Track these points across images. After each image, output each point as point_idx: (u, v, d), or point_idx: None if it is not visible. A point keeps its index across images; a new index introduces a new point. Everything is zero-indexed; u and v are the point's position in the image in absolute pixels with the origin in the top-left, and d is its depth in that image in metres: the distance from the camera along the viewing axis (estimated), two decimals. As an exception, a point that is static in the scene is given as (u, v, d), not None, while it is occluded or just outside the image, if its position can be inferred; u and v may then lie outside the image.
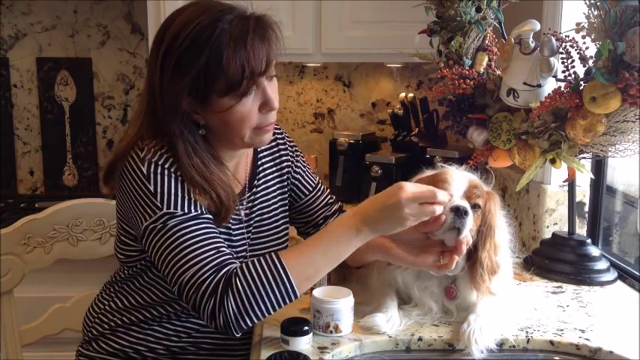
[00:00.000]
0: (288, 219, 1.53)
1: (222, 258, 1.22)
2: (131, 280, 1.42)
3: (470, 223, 1.25)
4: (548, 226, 1.84)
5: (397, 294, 1.38)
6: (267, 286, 1.18)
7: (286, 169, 1.51)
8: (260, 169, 1.47)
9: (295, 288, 1.20)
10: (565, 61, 1.46)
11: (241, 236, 1.41)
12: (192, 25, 1.22)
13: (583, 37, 1.41)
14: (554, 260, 1.66)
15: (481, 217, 1.31)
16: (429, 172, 1.39)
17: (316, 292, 1.29)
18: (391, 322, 1.30)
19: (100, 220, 1.77)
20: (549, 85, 1.51)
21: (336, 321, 1.27)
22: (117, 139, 2.76)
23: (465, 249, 1.26)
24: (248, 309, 1.18)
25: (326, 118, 2.84)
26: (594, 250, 1.66)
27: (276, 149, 1.51)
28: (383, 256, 1.34)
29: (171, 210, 1.24)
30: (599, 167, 1.82)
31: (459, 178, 1.31)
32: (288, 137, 1.55)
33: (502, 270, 1.32)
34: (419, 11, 1.73)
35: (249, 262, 1.21)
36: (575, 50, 1.43)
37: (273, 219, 1.48)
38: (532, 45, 1.50)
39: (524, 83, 1.51)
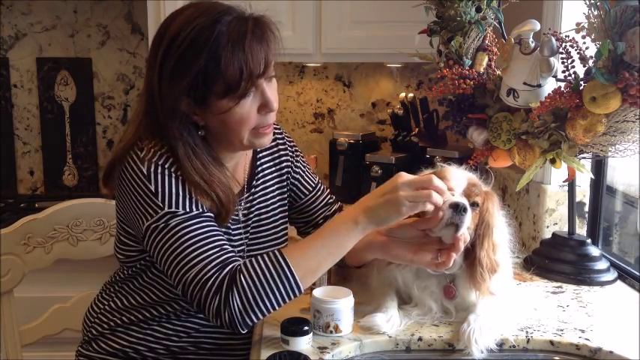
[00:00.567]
0: (287, 219, 1.53)
1: (226, 255, 1.22)
2: (131, 280, 1.42)
3: (468, 220, 1.25)
4: (548, 226, 1.84)
5: (397, 294, 1.38)
6: (272, 282, 1.19)
7: (286, 169, 1.51)
8: (259, 169, 1.47)
9: (299, 283, 1.20)
10: (565, 61, 1.46)
11: (239, 236, 1.41)
12: (190, 26, 1.22)
13: (583, 37, 1.41)
14: (554, 260, 1.66)
15: (479, 216, 1.31)
16: (428, 171, 1.39)
17: (316, 292, 1.29)
18: (391, 322, 1.30)
19: (100, 220, 1.77)
20: (549, 85, 1.51)
21: (336, 321, 1.27)
22: (117, 139, 2.76)
23: (462, 246, 1.26)
24: (253, 305, 1.18)
25: (326, 118, 2.84)
26: (594, 250, 1.66)
27: (275, 149, 1.51)
28: (381, 254, 1.34)
29: (173, 209, 1.24)
30: (599, 167, 1.82)
31: (459, 176, 1.31)
32: (288, 137, 1.55)
33: (501, 269, 1.32)
34: (419, 11, 1.73)
35: (253, 259, 1.21)
36: (575, 50, 1.43)
37: (272, 219, 1.48)
38: (532, 45, 1.50)
39: (524, 83, 1.51)
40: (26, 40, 2.75)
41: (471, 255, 1.31)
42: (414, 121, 2.60)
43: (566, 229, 1.75)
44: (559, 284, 1.60)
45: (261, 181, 1.46)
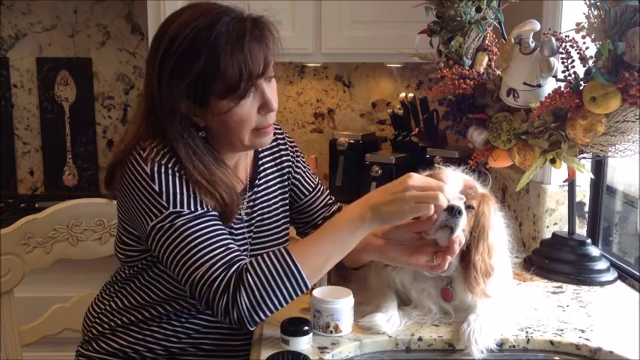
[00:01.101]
0: (288, 219, 1.53)
1: (232, 255, 1.23)
2: (132, 280, 1.42)
3: (462, 223, 1.25)
4: (548, 226, 1.84)
5: (396, 295, 1.38)
6: (279, 279, 1.19)
7: (287, 169, 1.51)
8: (261, 168, 1.47)
9: (306, 279, 1.20)
10: (565, 61, 1.46)
11: (242, 236, 1.41)
12: (189, 28, 1.22)
13: (583, 37, 1.41)
14: (554, 260, 1.66)
15: (474, 218, 1.31)
16: (425, 173, 1.39)
17: (316, 292, 1.29)
18: (391, 321, 1.30)
19: (100, 220, 1.77)
20: (549, 85, 1.51)
21: (336, 321, 1.27)
22: (117, 139, 2.76)
23: (457, 249, 1.25)
24: (261, 303, 1.18)
25: (326, 118, 2.84)
26: (594, 250, 1.66)
27: (276, 149, 1.51)
28: (377, 256, 1.34)
29: (178, 209, 1.24)
30: (599, 167, 1.82)
31: (455, 179, 1.31)
32: (288, 137, 1.55)
33: (497, 272, 1.31)
34: (419, 11, 1.73)
35: (259, 257, 1.21)
36: (575, 50, 1.43)
37: (274, 218, 1.48)
38: (532, 45, 1.50)
39: (524, 83, 1.51)
40: (26, 40, 2.75)
41: (466, 258, 1.31)
42: (414, 121, 2.60)
43: (566, 229, 1.75)
44: (559, 284, 1.60)
45: (263, 180, 1.47)
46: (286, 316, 1.27)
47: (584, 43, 1.41)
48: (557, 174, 1.80)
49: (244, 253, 1.40)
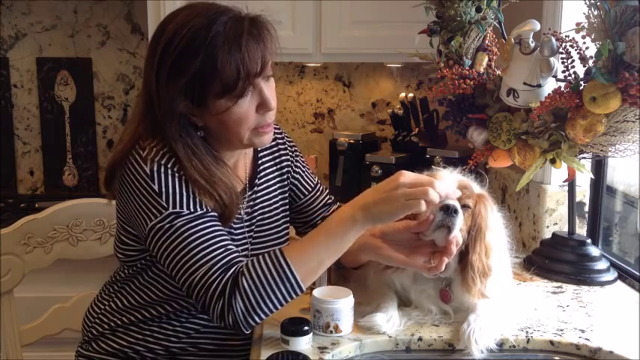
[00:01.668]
0: (288, 218, 1.53)
1: (230, 257, 1.23)
2: (131, 280, 1.42)
3: (460, 222, 1.24)
4: (548, 226, 1.84)
5: (396, 296, 1.38)
6: (273, 284, 1.19)
7: (286, 169, 1.51)
8: (260, 168, 1.47)
9: (300, 283, 1.20)
10: (565, 61, 1.46)
11: (242, 235, 1.41)
12: (186, 28, 1.22)
13: (583, 37, 1.41)
14: (554, 260, 1.66)
15: (471, 218, 1.30)
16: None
17: (316, 292, 1.29)
18: (391, 321, 1.30)
19: (100, 220, 1.77)
20: (549, 85, 1.51)
21: (336, 321, 1.27)
22: (117, 139, 2.75)
23: (454, 249, 1.25)
24: (256, 307, 1.19)
25: (326, 118, 2.84)
26: (594, 250, 1.66)
27: (276, 149, 1.51)
28: (374, 256, 1.33)
29: (177, 209, 1.24)
30: (599, 167, 1.82)
31: (448, 179, 1.31)
32: (287, 137, 1.55)
33: (494, 273, 1.30)
34: (419, 11, 1.73)
35: (254, 260, 1.21)
36: (575, 50, 1.43)
37: (275, 218, 1.48)
38: (532, 45, 1.50)
39: (524, 83, 1.51)
40: (26, 40, 2.75)
41: (465, 258, 1.31)
42: (414, 121, 2.60)
43: (566, 229, 1.75)
44: (559, 284, 1.60)
45: (263, 179, 1.47)
46: (286, 316, 1.27)
47: (584, 43, 1.41)
48: (557, 174, 1.80)
49: (243, 254, 1.41)
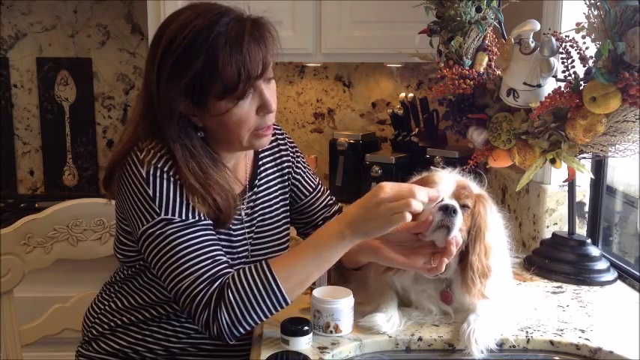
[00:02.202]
0: (289, 219, 1.53)
1: (217, 268, 1.23)
2: (131, 281, 1.42)
3: (459, 222, 1.25)
4: (548, 226, 1.84)
5: (397, 296, 1.38)
6: (259, 296, 1.20)
7: (287, 170, 1.51)
8: (261, 168, 1.47)
9: (286, 296, 1.21)
10: (565, 61, 1.46)
11: (242, 236, 1.41)
12: (188, 28, 1.22)
13: (583, 37, 1.41)
14: (554, 260, 1.66)
15: (471, 219, 1.30)
16: (420, 176, 1.39)
17: (316, 292, 1.29)
18: (391, 321, 1.30)
19: (100, 220, 1.77)
20: (549, 85, 1.51)
21: (336, 321, 1.27)
22: (117, 139, 2.75)
23: (454, 250, 1.25)
24: (240, 319, 1.20)
25: (326, 118, 2.84)
26: (594, 250, 1.66)
27: (276, 149, 1.51)
28: (374, 257, 1.33)
29: (169, 216, 1.24)
30: (599, 167, 1.82)
31: (447, 179, 1.31)
32: (288, 138, 1.55)
33: (494, 273, 1.30)
34: (419, 11, 1.73)
35: (241, 272, 1.22)
36: (575, 50, 1.43)
37: (275, 219, 1.48)
38: (532, 45, 1.50)
39: (524, 83, 1.51)
40: (26, 40, 2.75)
41: (465, 259, 1.31)
42: (414, 121, 2.60)
43: (566, 229, 1.75)
44: (559, 284, 1.60)
45: (263, 180, 1.46)
46: (286, 316, 1.27)
47: (584, 43, 1.41)
48: (557, 174, 1.80)
49: (244, 254, 1.41)
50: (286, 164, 1.51)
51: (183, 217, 1.25)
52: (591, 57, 1.41)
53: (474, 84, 1.63)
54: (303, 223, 1.58)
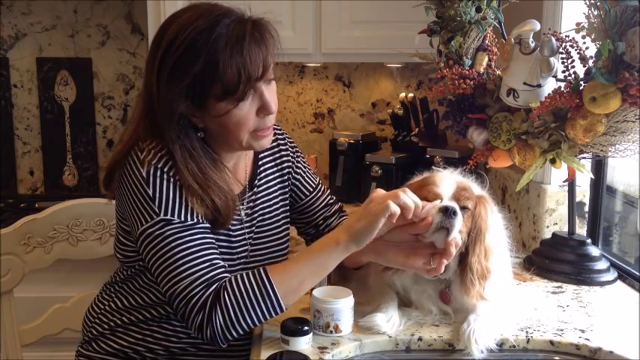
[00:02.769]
0: (289, 220, 1.53)
1: (214, 272, 1.23)
2: (131, 281, 1.42)
3: (459, 224, 1.24)
4: (548, 226, 1.84)
5: (397, 296, 1.38)
6: (254, 301, 1.20)
7: (287, 170, 1.51)
8: (261, 169, 1.47)
9: (281, 301, 1.21)
10: (565, 61, 1.46)
11: (242, 237, 1.41)
12: (188, 29, 1.22)
13: (583, 37, 1.41)
14: (554, 260, 1.66)
15: (471, 220, 1.30)
16: (422, 176, 1.39)
17: (316, 292, 1.29)
18: (391, 321, 1.30)
19: (100, 220, 1.77)
20: (549, 85, 1.51)
21: (336, 321, 1.27)
22: (117, 139, 2.75)
23: (453, 251, 1.25)
24: (235, 323, 1.20)
25: (326, 118, 2.84)
26: (594, 250, 1.66)
27: (277, 149, 1.51)
28: (374, 257, 1.33)
29: (169, 217, 1.24)
30: (599, 167, 1.82)
31: (447, 180, 1.31)
32: (288, 138, 1.55)
33: (493, 275, 1.30)
34: (419, 11, 1.73)
35: (238, 276, 1.22)
36: (575, 50, 1.43)
37: (275, 219, 1.48)
38: (532, 45, 1.50)
39: (524, 83, 1.51)
40: (26, 40, 2.75)
41: (464, 260, 1.31)
42: (414, 121, 2.60)
43: (566, 229, 1.75)
44: (559, 284, 1.60)
45: (263, 180, 1.46)
46: (286, 316, 1.27)
47: (584, 43, 1.41)
48: (557, 174, 1.80)
49: (243, 254, 1.41)
50: (286, 164, 1.51)
51: (182, 219, 1.25)
52: (591, 57, 1.41)
53: (474, 84, 1.63)
54: (303, 222, 1.58)
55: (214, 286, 1.22)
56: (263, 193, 1.46)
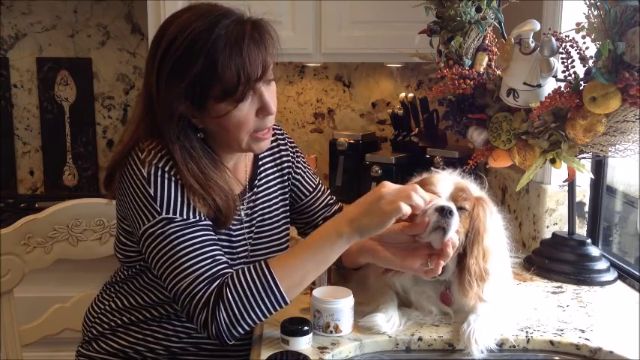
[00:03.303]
0: (289, 220, 1.53)
1: (217, 268, 1.23)
2: (131, 281, 1.42)
3: (455, 224, 1.24)
4: (548, 226, 1.84)
5: (397, 297, 1.38)
6: (257, 296, 1.19)
7: (287, 170, 1.51)
8: (261, 169, 1.47)
9: (285, 295, 1.21)
10: (565, 61, 1.46)
11: (242, 237, 1.41)
12: (188, 30, 1.22)
13: (583, 37, 1.41)
14: (554, 260, 1.66)
15: (468, 221, 1.30)
16: (419, 177, 1.39)
17: (316, 292, 1.29)
18: (391, 321, 1.30)
19: (100, 220, 1.77)
20: (549, 85, 1.51)
21: (336, 321, 1.27)
22: (117, 139, 2.76)
23: (450, 252, 1.24)
24: (239, 319, 1.20)
25: (326, 118, 2.84)
26: (594, 250, 1.66)
27: (276, 149, 1.51)
28: (372, 258, 1.33)
29: (170, 215, 1.24)
30: (599, 167, 1.82)
31: (445, 181, 1.31)
32: (288, 138, 1.55)
33: (492, 277, 1.29)
34: (419, 11, 1.73)
35: (240, 272, 1.22)
36: (575, 50, 1.43)
37: (275, 219, 1.48)
38: (532, 45, 1.50)
39: (524, 83, 1.51)
40: (26, 40, 2.75)
41: (462, 261, 1.30)
42: (414, 121, 2.60)
43: (566, 229, 1.75)
44: (559, 284, 1.60)
45: (263, 180, 1.46)
46: (286, 316, 1.27)
47: (584, 43, 1.41)
48: (557, 174, 1.80)
49: (244, 254, 1.41)
50: (286, 164, 1.51)
51: (184, 217, 1.25)
52: (591, 57, 1.41)
53: (474, 84, 1.63)
54: (303, 223, 1.58)
55: (217, 281, 1.21)
56: (263, 193, 1.46)
